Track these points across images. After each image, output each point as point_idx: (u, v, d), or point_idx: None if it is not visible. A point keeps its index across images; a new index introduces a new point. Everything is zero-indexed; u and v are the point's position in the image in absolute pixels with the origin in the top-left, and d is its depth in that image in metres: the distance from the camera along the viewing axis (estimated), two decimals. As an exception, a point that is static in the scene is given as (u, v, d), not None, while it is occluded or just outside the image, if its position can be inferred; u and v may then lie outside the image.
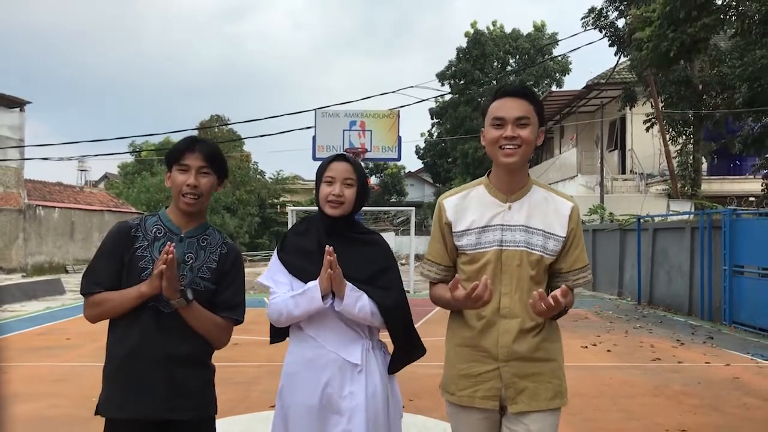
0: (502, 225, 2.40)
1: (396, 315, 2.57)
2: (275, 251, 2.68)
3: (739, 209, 12.56)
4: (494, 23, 42.92)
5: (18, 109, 27.03)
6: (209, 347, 2.58)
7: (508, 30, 42.75)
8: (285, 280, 2.59)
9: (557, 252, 2.41)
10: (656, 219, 15.63)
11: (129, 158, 51.56)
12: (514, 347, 2.35)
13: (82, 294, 2.50)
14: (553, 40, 40.79)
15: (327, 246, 2.45)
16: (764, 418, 5.56)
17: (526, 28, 43.30)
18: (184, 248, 2.52)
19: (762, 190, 17.48)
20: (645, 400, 6.14)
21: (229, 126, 42.71)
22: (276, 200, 52.01)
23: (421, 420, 5.18)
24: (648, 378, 7.09)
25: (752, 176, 19.82)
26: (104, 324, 2.51)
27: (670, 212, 16.32)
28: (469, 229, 2.44)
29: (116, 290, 2.44)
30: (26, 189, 27.42)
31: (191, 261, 2.52)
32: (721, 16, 12.64)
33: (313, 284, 2.48)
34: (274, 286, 2.60)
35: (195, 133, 44.90)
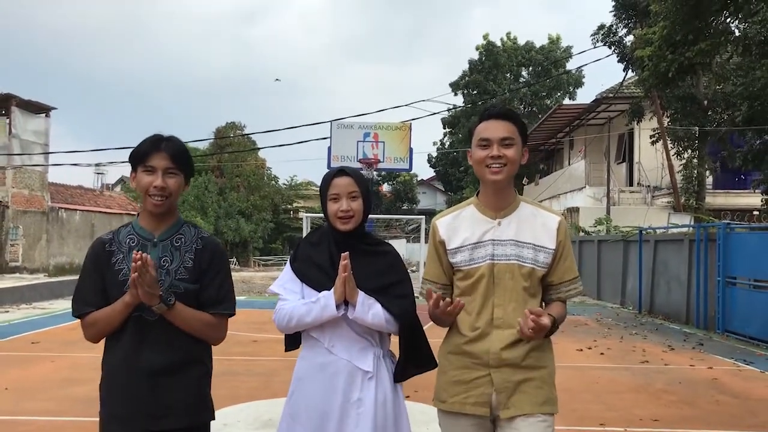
0: (493, 240, 2.50)
1: (409, 323, 2.61)
2: (289, 260, 2.74)
3: (732, 223, 13.15)
4: (508, 35, 43.58)
5: (44, 115, 28.00)
6: (201, 351, 2.53)
7: (521, 42, 43.38)
8: (296, 289, 2.63)
9: (548, 264, 2.50)
10: (658, 231, 16.24)
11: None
12: (502, 354, 2.42)
13: (74, 317, 2.51)
14: (567, 55, 41.40)
15: (342, 253, 2.50)
16: (732, 412, 6.20)
17: (541, 39, 43.92)
18: (159, 252, 2.47)
19: (762, 205, 18.05)
20: (627, 395, 6.78)
21: (243, 133, 43.52)
22: (289, 206, 52.83)
23: (424, 408, 5.85)
24: (634, 378, 7.74)
25: (753, 191, 20.36)
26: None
27: (670, 225, 16.91)
28: (462, 246, 2.53)
29: (105, 307, 2.43)
30: (49, 192, 28.36)
31: (167, 264, 2.47)
32: (720, 39, 13.28)
33: (328, 293, 2.52)
34: (284, 293, 2.64)
35: (210, 142, 45.89)
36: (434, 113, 26.31)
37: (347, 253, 2.47)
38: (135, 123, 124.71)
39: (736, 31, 14.34)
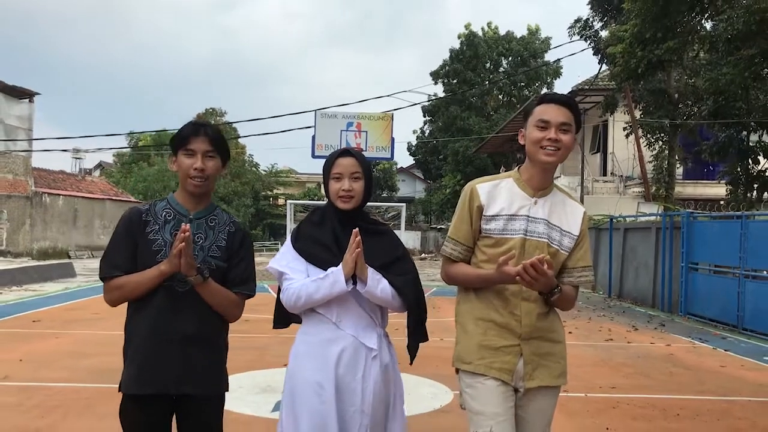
0: (528, 216, 2.59)
1: (414, 298, 2.71)
2: (288, 239, 2.78)
3: (695, 212, 13.92)
4: (488, 24, 44.09)
5: (27, 100, 28.15)
6: (221, 327, 2.68)
7: (502, 32, 43.92)
8: (301, 267, 2.66)
9: (570, 249, 2.63)
10: (627, 220, 17.00)
11: (125, 147, 52.44)
12: (537, 325, 2.55)
13: (100, 278, 2.58)
14: (545, 46, 42.10)
15: (354, 230, 2.55)
16: (682, 381, 6.91)
17: (520, 27, 44.50)
18: (194, 229, 2.58)
19: (726, 195, 18.86)
20: (590, 368, 7.46)
21: (228, 121, 43.78)
22: (270, 192, 53.16)
23: (412, 378, 6.44)
24: (598, 353, 8.44)
25: (718, 182, 21.23)
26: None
27: (639, 214, 17.70)
28: (498, 215, 2.60)
29: (133, 273, 2.53)
30: (33, 177, 28.57)
31: (201, 241, 2.60)
32: (687, 38, 14.02)
33: (337, 269, 2.55)
34: (290, 272, 2.66)
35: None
36: (415, 104, 27.09)
37: (357, 229, 2.54)
38: (114, 109, 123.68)
39: (706, 28, 15.08)
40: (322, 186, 2.80)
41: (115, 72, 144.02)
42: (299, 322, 2.76)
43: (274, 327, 2.85)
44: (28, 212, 27.77)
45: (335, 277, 2.53)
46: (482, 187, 2.65)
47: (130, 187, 42.74)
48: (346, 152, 2.75)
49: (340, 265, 2.55)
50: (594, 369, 7.42)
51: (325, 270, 2.58)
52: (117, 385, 2.57)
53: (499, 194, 2.63)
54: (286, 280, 2.66)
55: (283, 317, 2.78)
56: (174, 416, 2.63)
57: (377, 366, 2.62)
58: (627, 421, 5.37)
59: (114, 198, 35.79)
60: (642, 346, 9.07)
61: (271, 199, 53.57)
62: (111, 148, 46.86)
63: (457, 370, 2.67)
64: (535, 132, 2.56)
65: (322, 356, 2.59)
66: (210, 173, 2.60)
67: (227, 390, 2.70)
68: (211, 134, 2.61)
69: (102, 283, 2.60)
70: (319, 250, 2.66)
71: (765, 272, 11.23)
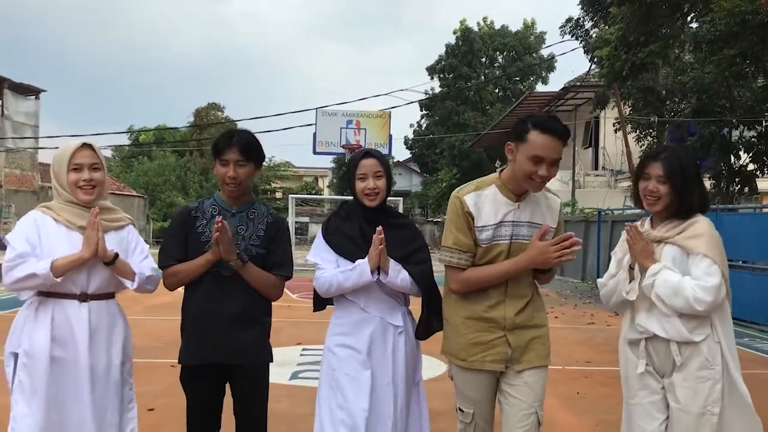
0: (513, 221, 2.74)
1: (429, 285, 3.00)
2: (320, 233, 3.07)
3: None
4: (484, 20, 44.69)
5: (33, 97, 28.84)
6: (263, 305, 3.00)
7: (497, 26, 44.50)
8: (332, 258, 2.96)
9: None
10: (615, 212, 17.82)
11: (126, 141, 53.05)
12: (516, 319, 2.76)
13: (159, 267, 2.94)
14: (540, 41, 42.81)
15: (374, 226, 2.84)
16: (650, 358, 7.71)
17: (516, 21, 45.03)
18: (237, 222, 2.91)
19: (710, 189, 19.71)
20: (571, 347, 8.28)
21: (228, 117, 44.53)
22: (268, 186, 53.72)
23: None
24: (579, 334, 9.27)
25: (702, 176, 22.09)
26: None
27: (625, 207, 18.53)
28: (486, 225, 2.74)
29: (185, 262, 2.90)
30: (39, 172, 29.27)
31: (243, 231, 2.94)
32: (669, 41, 14.80)
33: (363, 261, 2.84)
34: (321, 262, 2.97)
35: (185, 123, 46.70)
36: (411, 102, 27.87)
37: (381, 228, 2.84)
38: (113, 104, 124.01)
39: (691, 28, 15.84)
40: (347, 184, 3.14)
41: (113, 67, 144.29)
42: (333, 304, 3.12)
43: (314, 310, 3.18)
44: (35, 206, 28.42)
45: (362, 269, 2.85)
46: (469, 198, 2.76)
47: (131, 181, 43.37)
48: (367, 154, 3.03)
49: (366, 258, 2.86)
50: (573, 347, 8.24)
51: (352, 261, 2.91)
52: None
53: (483, 205, 2.75)
54: (318, 269, 2.99)
55: (321, 301, 3.12)
56: (228, 381, 3.03)
57: (403, 340, 2.95)
58: (596, 387, 6.20)
59: (117, 192, 36.41)
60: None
61: (269, 192, 54.12)
62: (120, 145, 47.43)
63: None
64: (528, 165, 2.62)
65: (354, 335, 2.92)
66: (242, 179, 2.94)
67: (271, 361, 3.07)
68: (241, 144, 2.91)
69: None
70: (347, 243, 2.97)
71: (740, 262, 12.05)
